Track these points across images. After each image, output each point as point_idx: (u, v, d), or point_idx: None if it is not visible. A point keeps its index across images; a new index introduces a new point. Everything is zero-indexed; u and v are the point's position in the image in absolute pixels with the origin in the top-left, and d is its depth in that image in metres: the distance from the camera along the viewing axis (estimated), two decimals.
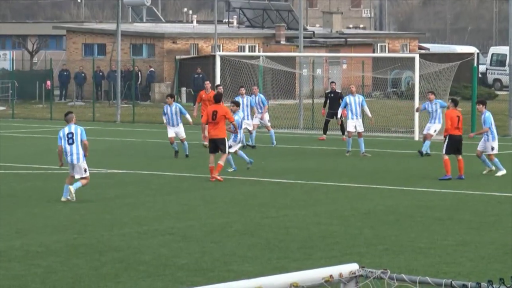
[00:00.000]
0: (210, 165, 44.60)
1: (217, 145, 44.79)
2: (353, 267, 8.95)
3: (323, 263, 9.45)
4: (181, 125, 57.32)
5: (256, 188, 42.68)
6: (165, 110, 57.44)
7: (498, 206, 38.32)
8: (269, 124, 65.27)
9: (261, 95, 68.86)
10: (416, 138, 65.44)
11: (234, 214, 36.43)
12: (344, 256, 15.86)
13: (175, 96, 62.93)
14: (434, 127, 52.23)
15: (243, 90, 60.00)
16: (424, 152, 55.21)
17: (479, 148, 45.29)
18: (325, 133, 70.46)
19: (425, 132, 51.86)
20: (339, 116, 63.38)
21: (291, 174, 46.92)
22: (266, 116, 67.37)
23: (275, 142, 62.34)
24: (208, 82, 60.79)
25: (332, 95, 67.44)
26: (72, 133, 37.01)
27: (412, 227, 33.61)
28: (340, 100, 64.04)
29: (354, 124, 59.15)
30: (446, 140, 44.88)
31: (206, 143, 51.99)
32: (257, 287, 8.38)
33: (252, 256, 27.03)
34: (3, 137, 69.15)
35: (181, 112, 58.07)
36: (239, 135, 46.91)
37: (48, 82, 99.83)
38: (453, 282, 8.53)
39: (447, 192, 41.34)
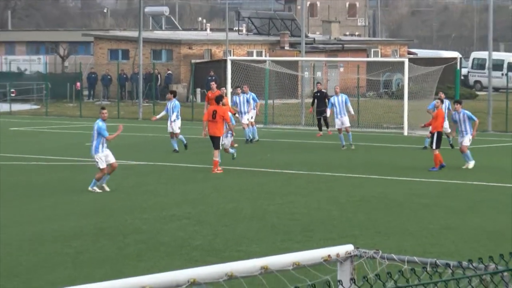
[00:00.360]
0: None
1: (213, 142, 45.02)
2: (349, 248, 9.02)
3: (322, 244, 9.40)
4: (177, 121, 56.20)
5: (263, 178, 42.74)
6: (167, 106, 56.68)
7: (478, 194, 38.34)
8: (252, 120, 63.27)
9: (253, 94, 67.23)
10: (405, 134, 64.89)
11: (243, 201, 36.49)
12: (341, 238, 15.80)
13: (175, 93, 61.80)
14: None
15: (239, 90, 60.16)
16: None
17: (466, 143, 44.70)
18: (320, 129, 69.32)
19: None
20: (328, 115, 63.47)
21: (294, 166, 46.95)
22: (253, 113, 65.12)
23: (257, 137, 61.76)
24: (213, 82, 60.12)
25: (318, 94, 67.55)
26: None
27: (401, 213, 33.93)
28: (326, 99, 65.33)
29: (340, 122, 59.47)
30: (436, 136, 44.28)
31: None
32: (264, 265, 8.43)
33: (260, 238, 27.42)
34: (38, 132, 69.44)
35: (174, 109, 56.85)
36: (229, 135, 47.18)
37: (78, 84, 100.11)
38: (437, 261, 8.59)
39: (433, 182, 41.25)
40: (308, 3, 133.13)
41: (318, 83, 76.85)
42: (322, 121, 66.73)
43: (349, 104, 62.87)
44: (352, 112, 62.65)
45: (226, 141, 47.13)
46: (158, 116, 58.61)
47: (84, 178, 39.02)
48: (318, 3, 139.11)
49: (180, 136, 55.49)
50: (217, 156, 45.97)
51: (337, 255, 8.93)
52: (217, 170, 44.44)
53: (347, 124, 59.46)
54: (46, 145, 57.95)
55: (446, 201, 36.60)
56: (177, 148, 54.02)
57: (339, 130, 59.66)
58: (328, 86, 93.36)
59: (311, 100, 67.74)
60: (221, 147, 45.75)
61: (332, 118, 61.91)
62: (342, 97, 61.55)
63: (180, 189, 39.75)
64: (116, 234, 29.50)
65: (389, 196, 37.50)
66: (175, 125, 55.92)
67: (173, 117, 55.94)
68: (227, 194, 37.74)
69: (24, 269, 25.00)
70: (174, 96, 58.58)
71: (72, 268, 24.54)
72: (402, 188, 40.02)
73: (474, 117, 45.86)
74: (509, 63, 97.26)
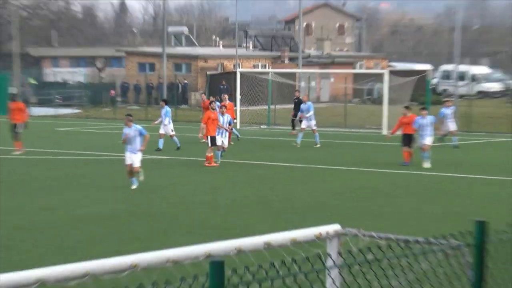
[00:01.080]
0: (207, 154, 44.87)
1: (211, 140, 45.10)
2: (336, 227, 9.20)
3: (315, 225, 9.49)
4: (169, 124, 54.97)
5: (267, 170, 42.58)
6: (161, 112, 55.16)
7: (442, 184, 38.51)
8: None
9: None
10: (384, 133, 63.28)
11: (250, 189, 36.59)
12: (331, 220, 16.52)
13: (167, 101, 60.86)
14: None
15: (226, 96, 58.53)
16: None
17: (429, 142, 44.29)
18: (293, 128, 68.51)
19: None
20: (297, 118, 63.18)
21: (292, 160, 46.79)
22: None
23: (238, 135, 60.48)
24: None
25: (296, 100, 67.22)
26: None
27: (382, 199, 33.76)
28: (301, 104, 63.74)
29: (306, 125, 59.49)
30: (403, 137, 44.68)
31: (203, 140, 49.10)
32: (267, 241, 8.63)
33: (264, 220, 27.65)
34: (79, 132, 69.28)
35: (166, 115, 55.69)
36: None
37: (112, 91, 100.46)
38: (407, 237, 8.79)
39: (406, 173, 41.09)
40: (305, 24, 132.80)
41: (296, 90, 77.04)
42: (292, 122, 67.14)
43: (311, 110, 61.81)
44: (307, 116, 59.70)
45: (225, 140, 47.46)
46: (156, 122, 56.76)
47: (117, 170, 38.90)
48: (313, 24, 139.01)
49: (175, 138, 54.50)
50: (210, 151, 45.54)
51: (327, 233, 9.14)
52: (208, 164, 44.33)
53: (314, 127, 59.48)
54: (86, 143, 58.00)
55: (418, 189, 36.63)
56: (161, 147, 52.34)
57: (302, 128, 59.73)
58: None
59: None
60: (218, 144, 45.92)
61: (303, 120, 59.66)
62: (309, 104, 61.68)
63: (197, 180, 39.56)
64: (146, 216, 29.76)
65: (373, 186, 37.41)
66: (168, 128, 54.96)
67: (166, 121, 54.90)
68: (236, 184, 37.90)
69: (69, 244, 25.24)
70: (166, 104, 57.68)
71: (108, 244, 24.82)
72: (384, 179, 40.00)
73: (435, 120, 46.24)
74: (472, 75, 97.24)
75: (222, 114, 48.31)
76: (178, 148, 52.83)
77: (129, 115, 38.50)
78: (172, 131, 54.59)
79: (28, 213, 30.89)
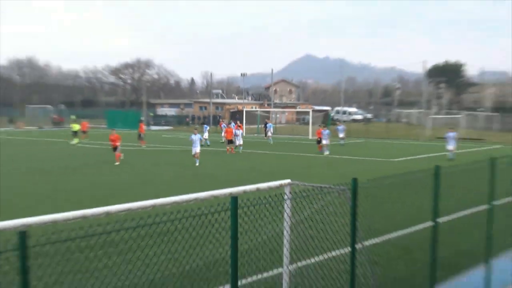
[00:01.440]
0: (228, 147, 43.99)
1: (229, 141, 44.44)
2: (288, 180, 9.05)
3: (281, 179, 9.19)
4: (206, 133, 51.89)
5: (267, 156, 41.36)
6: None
7: (335, 161, 37.35)
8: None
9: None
10: (310, 138, 61.18)
11: (250, 163, 35.70)
12: (287, 178, 16.02)
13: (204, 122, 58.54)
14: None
15: (238, 122, 52.75)
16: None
17: (327, 142, 43.35)
18: (265, 136, 62.95)
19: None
20: (267, 130, 59.55)
21: (270, 150, 45.79)
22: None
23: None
24: (238, 121, 52.91)
25: (266, 123, 62.96)
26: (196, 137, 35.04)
27: (306, 168, 32.89)
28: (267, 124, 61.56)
29: (269, 134, 57.64)
30: (318, 139, 44.60)
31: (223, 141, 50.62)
32: (259, 187, 8.49)
33: (256, 178, 26.01)
34: (172, 137, 66.24)
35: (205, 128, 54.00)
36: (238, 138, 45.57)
37: (187, 119, 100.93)
38: (320, 185, 8.64)
39: (319, 157, 40.23)
40: (274, 88, 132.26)
41: (267, 118, 75.83)
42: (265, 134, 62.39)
43: (271, 128, 60.11)
44: (269, 134, 58.69)
45: (240, 141, 45.45)
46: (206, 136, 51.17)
47: (188, 155, 36.78)
48: (278, 88, 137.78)
49: (207, 141, 50.71)
50: (229, 147, 44.48)
51: (283, 184, 8.99)
52: (228, 152, 43.40)
53: (270, 134, 57.76)
54: (174, 141, 57.32)
55: (323, 164, 35.34)
56: (208, 144, 49.40)
57: (269, 136, 56.65)
58: (281, 120, 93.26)
59: (277, 126, 67.72)
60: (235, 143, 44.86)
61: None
62: (270, 124, 60.62)
63: (222, 159, 38.66)
64: (200, 176, 28.82)
65: (305, 162, 36.68)
66: (206, 135, 51.05)
67: (206, 133, 52.29)
68: (248, 162, 36.63)
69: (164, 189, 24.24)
70: (204, 124, 56.19)
71: (168, 188, 22.96)
72: (310, 159, 38.68)
73: (329, 132, 44.30)
74: (349, 112, 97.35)
75: (237, 128, 46.26)
76: (208, 145, 49.45)
77: (195, 128, 39.76)
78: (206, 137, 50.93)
79: (156, 171, 30.11)
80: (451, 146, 37.73)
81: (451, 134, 38.55)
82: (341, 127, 55.02)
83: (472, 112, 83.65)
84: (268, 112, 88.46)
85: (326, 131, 43.69)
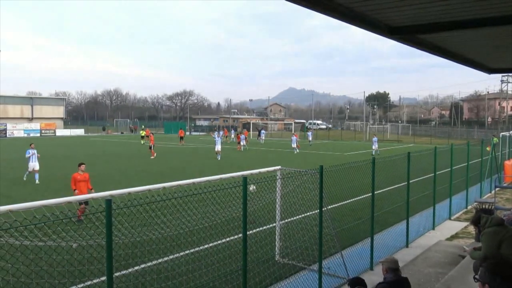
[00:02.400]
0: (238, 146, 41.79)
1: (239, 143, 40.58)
2: (278, 167, 8.94)
3: (274, 166, 9.05)
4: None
5: (263, 151, 40.45)
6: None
7: (308, 154, 36.44)
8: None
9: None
10: (294, 145, 59.97)
11: (255, 155, 34.55)
12: (279, 164, 15.72)
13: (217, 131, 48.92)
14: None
15: (246, 130, 51.26)
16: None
17: (294, 145, 39.13)
18: (258, 137, 57.34)
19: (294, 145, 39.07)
20: (261, 136, 55.06)
21: (268, 148, 45.23)
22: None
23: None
24: (246, 130, 51.65)
25: (261, 129, 59.00)
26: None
27: (291, 159, 31.50)
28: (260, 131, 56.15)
29: (263, 138, 53.65)
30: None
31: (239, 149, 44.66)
32: (256, 172, 8.33)
33: (257, 163, 24.69)
34: (206, 139, 64.30)
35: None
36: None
37: (215, 129, 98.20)
38: (300, 169, 8.51)
39: (299, 152, 39.76)
40: (270, 109, 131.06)
41: (262, 128, 65.89)
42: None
43: (263, 135, 54.49)
44: (263, 137, 54.13)
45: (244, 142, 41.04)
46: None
47: (211, 152, 35.17)
48: (272, 109, 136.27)
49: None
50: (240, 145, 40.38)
51: (276, 169, 8.86)
52: (238, 149, 39.74)
53: (263, 138, 53.85)
54: (205, 142, 56.62)
55: (305, 157, 34.32)
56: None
57: (262, 140, 52.77)
58: (274, 128, 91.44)
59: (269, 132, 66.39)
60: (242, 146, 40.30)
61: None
62: (262, 131, 57.20)
63: (234, 154, 37.92)
64: (221, 163, 27.82)
65: (285, 156, 35.92)
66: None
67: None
68: (249, 155, 36.09)
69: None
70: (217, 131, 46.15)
71: (202, 171, 22.24)
72: (292, 153, 37.60)
73: (297, 139, 40.15)
74: (317, 123, 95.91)
75: (246, 134, 44.39)
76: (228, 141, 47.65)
77: (218, 132, 39.26)
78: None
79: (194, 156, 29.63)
80: (374, 146, 37.13)
81: (375, 139, 37.93)
82: (310, 132, 52.05)
83: (394, 123, 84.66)
84: (266, 123, 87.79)
85: (293, 137, 40.60)
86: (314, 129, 77.98)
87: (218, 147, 32.18)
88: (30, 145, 20.96)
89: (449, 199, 13.61)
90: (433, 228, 12.08)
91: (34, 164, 20.06)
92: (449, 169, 13.49)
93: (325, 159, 30.99)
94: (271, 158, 32.60)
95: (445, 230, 11.91)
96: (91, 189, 12.56)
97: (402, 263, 8.55)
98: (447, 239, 10.95)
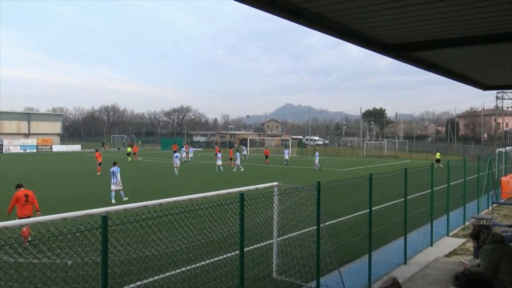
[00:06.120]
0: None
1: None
2: (276, 183, 8.90)
3: (271, 182, 8.95)
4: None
5: (261, 167, 40.39)
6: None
7: (304, 170, 36.73)
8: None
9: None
10: (286, 157, 54.99)
11: (257, 171, 34.32)
12: (275, 180, 15.81)
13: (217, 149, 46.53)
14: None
15: (243, 146, 48.11)
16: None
17: (287, 157, 41.06)
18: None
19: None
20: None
21: (269, 163, 45.04)
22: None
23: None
24: (244, 146, 49.55)
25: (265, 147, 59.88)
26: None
27: (287, 174, 31.77)
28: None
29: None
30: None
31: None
32: (252, 188, 8.30)
33: (256, 179, 25.22)
34: (204, 155, 64.08)
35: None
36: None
37: (213, 144, 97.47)
38: (297, 186, 8.44)
39: (293, 167, 39.65)
40: (267, 124, 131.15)
41: (266, 147, 66.99)
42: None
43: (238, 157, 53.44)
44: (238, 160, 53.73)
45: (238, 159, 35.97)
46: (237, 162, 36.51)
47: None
48: (269, 125, 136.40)
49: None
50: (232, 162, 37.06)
51: (273, 185, 8.82)
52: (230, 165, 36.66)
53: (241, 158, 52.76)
54: (203, 157, 56.32)
55: (301, 173, 34.93)
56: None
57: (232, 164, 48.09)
58: (271, 144, 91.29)
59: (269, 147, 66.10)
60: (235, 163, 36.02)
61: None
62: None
63: (230, 170, 37.72)
64: (217, 179, 28.15)
65: (287, 170, 36.01)
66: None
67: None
68: (251, 169, 35.95)
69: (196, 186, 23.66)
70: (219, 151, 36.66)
71: (203, 186, 22.60)
72: (287, 169, 37.87)
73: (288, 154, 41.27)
74: (314, 139, 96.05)
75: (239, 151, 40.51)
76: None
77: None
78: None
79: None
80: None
81: (316, 153, 38.80)
82: (317, 153, 40.25)
83: (391, 139, 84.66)
84: (263, 139, 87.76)
85: (285, 150, 40.76)
86: (311, 145, 78.15)
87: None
88: None
89: (447, 215, 13.56)
90: (431, 245, 11.99)
91: None
92: (446, 185, 13.48)
93: (322, 175, 30.84)
94: (269, 174, 32.37)
95: (443, 247, 11.83)
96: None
97: (400, 280, 8.47)
98: (446, 256, 10.86)
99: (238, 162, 36.05)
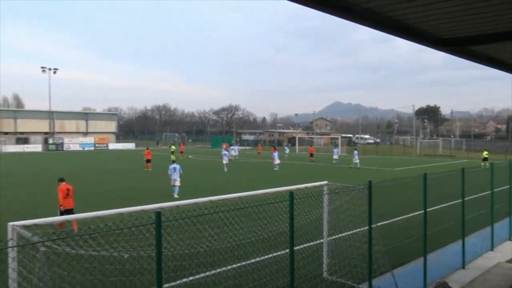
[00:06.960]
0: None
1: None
2: (326, 182, 8.82)
3: (320, 181, 8.84)
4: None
5: (303, 166, 39.79)
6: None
7: (357, 169, 35.93)
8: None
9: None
10: (335, 157, 58.58)
11: (295, 168, 34.26)
12: (324, 179, 15.19)
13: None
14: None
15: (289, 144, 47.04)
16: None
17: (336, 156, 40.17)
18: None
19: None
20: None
21: (321, 162, 44.78)
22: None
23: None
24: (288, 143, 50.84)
25: (311, 145, 58.84)
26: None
27: (330, 173, 30.77)
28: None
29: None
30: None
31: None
32: (303, 186, 8.28)
33: (301, 179, 24.59)
34: (252, 153, 63.63)
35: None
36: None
37: (260, 145, 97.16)
38: (346, 185, 8.34)
39: (344, 166, 39.18)
40: (316, 123, 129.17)
41: (312, 145, 56.47)
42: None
43: (288, 151, 50.51)
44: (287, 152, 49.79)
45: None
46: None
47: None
48: (318, 123, 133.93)
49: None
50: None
51: (322, 184, 8.76)
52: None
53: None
54: (252, 156, 56.51)
55: (353, 172, 34.15)
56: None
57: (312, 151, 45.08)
58: (320, 143, 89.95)
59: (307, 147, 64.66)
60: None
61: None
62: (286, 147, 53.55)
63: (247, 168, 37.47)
64: (271, 177, 27.94)
65: (337, 169, 35.35)
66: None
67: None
68: (288, 167, 35.72)
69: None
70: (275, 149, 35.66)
71: (255, 185, 22.22)
72: (337, 168, 37.18)
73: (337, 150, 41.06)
74: (364, 138, 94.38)
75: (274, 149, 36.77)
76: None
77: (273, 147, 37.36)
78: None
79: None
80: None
81: (355, 152, 37.52)
82: (356, 152, 37.91)
83: (446, 138, 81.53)
84: (312, 138, 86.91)
85: (335, 149, 40.21)
86: (361, 144, 76.64)
87: (275, 161, 33.02)
88: None
89: (509, 218, 12.84)
90: (492, 249, 11.40)
91: None
92: (508, 186, 12.77)
93: (374, 175, 30.07)
94: (318, 173, 31.98)
95: (505, 251, 11.21)
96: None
97: (458, 286, 8.11)
98: (508, 261, 10.30)
99: (277, 161, 34.45)
